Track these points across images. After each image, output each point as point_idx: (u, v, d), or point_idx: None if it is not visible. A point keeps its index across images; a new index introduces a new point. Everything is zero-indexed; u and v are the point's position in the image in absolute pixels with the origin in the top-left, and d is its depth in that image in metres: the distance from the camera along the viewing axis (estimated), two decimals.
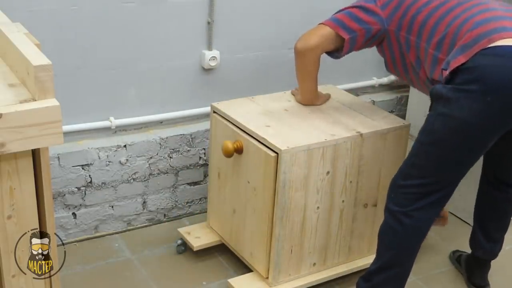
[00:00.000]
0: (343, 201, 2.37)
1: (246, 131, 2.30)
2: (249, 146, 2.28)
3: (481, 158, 2.35)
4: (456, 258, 2.67)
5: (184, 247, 2.65)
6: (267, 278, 2.36)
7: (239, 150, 2.32)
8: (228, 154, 2.32)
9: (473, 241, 2.50)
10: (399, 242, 2.16)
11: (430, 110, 2.08)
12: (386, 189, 2.42)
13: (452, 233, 2.90)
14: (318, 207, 2.32)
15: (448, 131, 1.98)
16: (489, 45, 1.88)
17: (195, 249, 2.57)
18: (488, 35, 1.90)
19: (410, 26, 2.17)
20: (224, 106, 2.46)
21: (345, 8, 2.33)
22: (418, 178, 2.07)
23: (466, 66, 1.90)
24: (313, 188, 2.27)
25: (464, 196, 2.47)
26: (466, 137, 1.98)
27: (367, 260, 2.49)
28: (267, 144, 2.21)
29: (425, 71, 2.14)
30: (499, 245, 2.45)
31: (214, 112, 2.47)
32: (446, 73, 1.94)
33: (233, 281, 2.39)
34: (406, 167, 2.13)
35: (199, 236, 2.62)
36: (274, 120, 2.37)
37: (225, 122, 2.41)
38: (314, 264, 2.43)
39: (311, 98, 2.49)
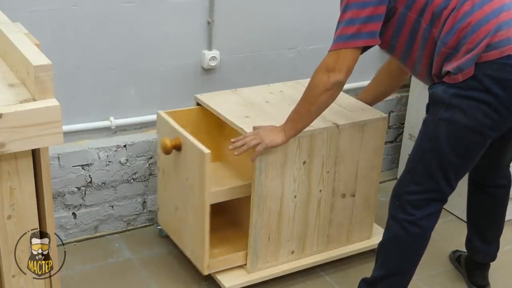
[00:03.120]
0: (320, 190, 2.40)
1: (226, 122, 2.36)
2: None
3: None
4: (456, 258, 2.67)
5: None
6: (246, 264, 2.40)
7: (177, 147, 2.33)
8: (166, 151, 2.34)
9: (470, 247, 2.50)
10: (405, 251, 2.16)
11: (427, 111, 2.06)
12: (364, 180, 2.49)
13: (452, 233, 2.90)
14: (295, 196, 2.35)
15: (450, 137, 1.98)
16: (501, 56, 1.86)
17: None
18: (498, 46, 1.86)
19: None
20: (207, 98, 2.51)
21: (348, 17, 1.99)
22: (421, 184, 2.07)
23: (474, 73, 1.89)
24: (289, 177, 2.31)
25: (464, 196, 2.46)
26: (467, 143, 1.98)
27: (346, 249, 2.57)
28: (243, 134, 2.25)
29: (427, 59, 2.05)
30: (497, 246, 2.46)
31: (198, 103, 2.53)
32: (459, 78, 1.91)
33: None
34: (408, 172, 2.12)
35: None
36: (254, 111, 2.42)
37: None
38: (293, 252, 2.47)
39: (288, 139, 2.20)
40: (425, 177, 2.06)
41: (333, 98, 2.08)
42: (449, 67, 1.93)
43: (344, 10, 2.01)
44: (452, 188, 2.09)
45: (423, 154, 2.06)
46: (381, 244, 2.23)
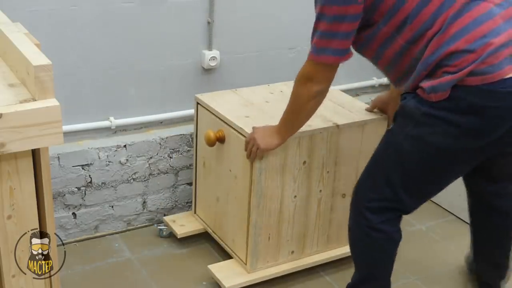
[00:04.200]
0: (320, 190, 2.41)
1: (226, 122, 2.35)
2: (231, 135, 2.33)
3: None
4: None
5: (166, 232, 2.75)
6: (246, 264, 2.41)
7: (221, 139, 2.37)
8: (210, 143, 2.38)
9: (479, 269, 2.39)
10: (371, 255, 2.12)
11: (394, 120, 1.97)
12: None
13: (452, 233, 2.90)
14: (295, 196, 2.36)
15: (417, 155, 1.90)
16: (482, 83, 1.75)
17: (179, 237, 2.64)
18: (482, 73, 1.75)
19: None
20: (207, 98, 2.51)
21: (321, 30, 1.90)
22: (380, 193, 2.00)
23: (450, 95, 1.78)
24: (289, 177, 2.31)
25: (464, 196, 2.46)
26: (435, 164, 1.91)
27: (346, 249, 2.54)
28: (244, 134, 2.25)
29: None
30: (509, 268, 2.32)
31: (198, 103, 2.53)
32: (432, 98, 1.80)
33: (212, 266, 2.44)
34: (368, 178, 2.05)
35: (183, 224, 2.71)
36: (254, 111, 2.42)
37: (208, 113, 2.47)
38: (292, 252, 2.47)
39: (284, 140, 2.20)
40: (384, 185, 1.98)
41: (319, 103, 2.05)
42: (424, 84, 1.82)
43: (317, 18, 1.91)
44: (413, 205, 2.01)
45: (385, 163, 1.99)
46: (349, 245, 2.18)
